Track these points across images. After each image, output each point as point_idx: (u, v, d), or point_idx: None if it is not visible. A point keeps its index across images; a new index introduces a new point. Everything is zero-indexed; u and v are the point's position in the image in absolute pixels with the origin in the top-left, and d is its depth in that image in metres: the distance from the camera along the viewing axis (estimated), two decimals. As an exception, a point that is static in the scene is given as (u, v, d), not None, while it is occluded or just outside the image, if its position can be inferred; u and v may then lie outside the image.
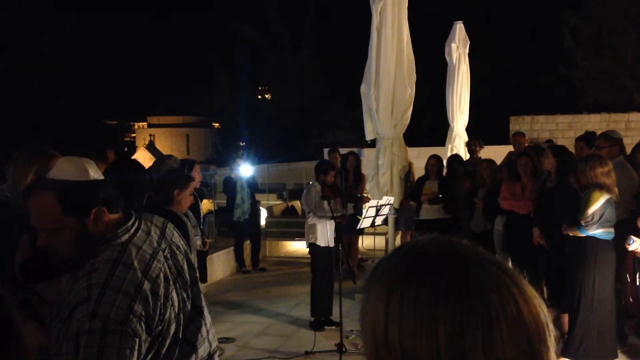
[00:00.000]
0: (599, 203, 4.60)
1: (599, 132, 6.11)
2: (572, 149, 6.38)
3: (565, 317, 5.08)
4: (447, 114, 10.21)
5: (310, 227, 6.21)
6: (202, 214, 6.86)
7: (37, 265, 2.06)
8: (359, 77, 7.00)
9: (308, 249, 6.43)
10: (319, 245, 6.18)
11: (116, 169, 2.94)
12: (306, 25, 28.55)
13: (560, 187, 5.37)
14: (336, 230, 5.97)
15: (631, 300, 5.81)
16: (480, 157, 8.15)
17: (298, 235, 9.47)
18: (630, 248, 4.80)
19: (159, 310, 1.68)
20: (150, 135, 58.92)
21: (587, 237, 4.68)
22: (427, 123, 26.09)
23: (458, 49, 10.00)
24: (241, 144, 31.04)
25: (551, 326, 0.75)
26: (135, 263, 1.70)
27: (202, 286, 2.08)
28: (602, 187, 4.62)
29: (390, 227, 7.13)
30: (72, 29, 23.31)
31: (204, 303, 1.98)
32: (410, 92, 6.69)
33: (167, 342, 1.73)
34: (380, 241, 9.15)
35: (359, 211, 7.28)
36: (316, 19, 28.62)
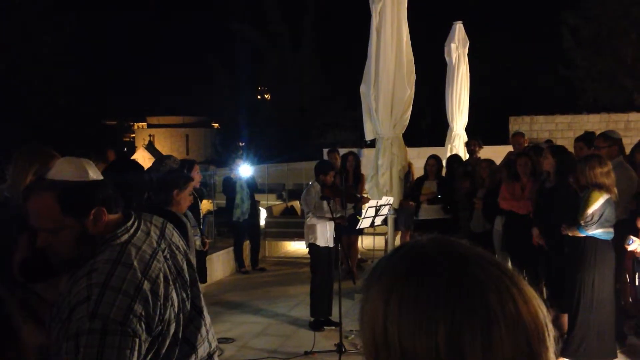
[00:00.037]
0: (598, 203, 4.60)
1: (598, 133, 6.11)
2: (571, 149, 6.38)
3: (565, 317, 5.09)
4: (446, 114, 10.22)
5: (310, 228, 6.21)
6: (201, 214, 6.86)
7: (36, 265, 2.07)
8: (359, 77, 7.00)
9: (307, 249, 6.43)
10: (318, 246, 6.18)
11: (115, 169, 2.94)
12: (306, 25, 28.56)
13: (559, 187, 5.37)
14: (336, 230, 5.97)
15: (630, 300, 5.81)
16: (479, 157, 8.15)
17: (297, 236, 9.46)
18: (630, 248, 4.80)
19: (158, 311, 1.68)
20: (150, 135, 58.92)
21: (587, 237, 4.69)
22: (427, 123, 26.10)
23: (457, 49, 10.00)
24: (241, 144, 31.05)
25: (550, 326, 0.75)
26: (135, 263, 1.70)
27: (201, 286, 2.08)
28: (602, 187, 4.62)
29: (389, 228, 7.13)
30: (72, 29, 23.30)
31: (203, 303, 1.98)
32: (409, 92, 6.70)
33: (167, 342, 1.74)
34: (379, 241, 9.15)
35: (358, 211, 7.28)
36: (316, 19, 28.64)
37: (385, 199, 6.32)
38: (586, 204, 4.63)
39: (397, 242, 7.63)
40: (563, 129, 13.14)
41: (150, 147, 52.74)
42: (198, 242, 4.81)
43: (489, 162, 6.94)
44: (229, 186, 9.20)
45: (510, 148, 8.40)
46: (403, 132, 6.95)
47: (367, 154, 11.15)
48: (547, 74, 23.89)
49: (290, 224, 10.23)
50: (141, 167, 3.19)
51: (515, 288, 0.74)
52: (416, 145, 11.64)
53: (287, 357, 5.42)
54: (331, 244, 6.17)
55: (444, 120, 10.46)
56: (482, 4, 28.57)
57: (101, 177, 1.82)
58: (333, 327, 6.01)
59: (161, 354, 1.73)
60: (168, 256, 1.85)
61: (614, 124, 12.29)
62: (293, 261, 9.99)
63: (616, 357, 4.84)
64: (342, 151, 8.97)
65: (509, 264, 5.70)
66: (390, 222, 7.03)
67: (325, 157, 9.42)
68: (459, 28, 10.06)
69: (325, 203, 5.79)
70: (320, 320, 6.24)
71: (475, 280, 0.74)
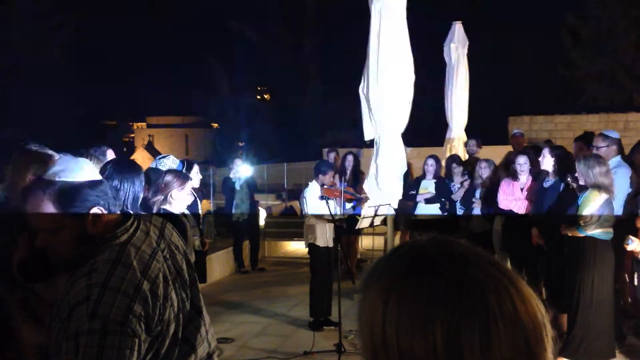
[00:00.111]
0: (597, 203, 4.60)
1: (597, 132, 6.11)
2: (570, 149, 6.39)
3: (564, 317, 5.09)
4: (445, 114, 10.21)
5: (309, 228, 6.21)
6: (201, 214, 6.85)
7: (35, 264, 2.07)
8: (359, 77, 7.00)
9: (307, 249, 6.43)
10: (318, 246, 6.18)
11: (115, 169, 2.93)
12: (306, 25, 28.57)
13: (558, 187, 5.38)
14: (335, 230, 5.97)
15: (630, 300, 5.81)
16: (479, 157, 8.15)
17: (297, 236, 9.46)
18: (629, 248, 4.80)
19: (158, 311, 1.68)
20: (150, 135, 58.85)
21: (586, 237, 4.69)
22: (426, 123, 26.08)
23: (457, 49, 9.99)
24: (240, 144, 31.06)
25: (548, 326, 0.75)
26: (134, 263, 1.70)
27: (201, 286, 2.08)
28: (601, 187, 4.62)
29: (389, 228, 7.13)
30: (72, 29, 23.32)
31: (202, 303, 1.98)
32: (409, 92, 6.69)
33: (167, 342, 1.74)
34: (379, 241, 9.14)
35: (358, 211, 7.28)
36: (316, 19, 28.64)
37: (384, 199, 6.32)
38: (585, 204, 4.64)
39: (397, 242, 7.63)
40: (562, 129, 13.15)
41: (150, 147, 52.69)
42: (197, 242, 4.80)
43: (489, 162, 6.94)
44: (229, 186, 9.20)
45: (509, 148, 8.40)
46: (402, 132, 6.94)
47: (366, 154, 11.14)
48: (546, 74, 23.90)
49: (290, 224, 10.23)
50: (140, 167, 3.19)
51: (514, 288, 0.74)
52: (415, 145, 11.64)
53: (286, 357, 5.42)
54: (331, 244, 6.17)
55: (443, 120, 10.46)
56: (482, 3, 28.57)
57: (100, 177, 1.82)
58: (332, 327, 6.01)
59: (161, 354, 1.73)
60: (167, 256, 1.85)
61: (613, 124, 12.30)
62: (292, 261, 9.98)
63: (615, 357, 4.84)
64: (342, 151, 8.96)
65: (509, 264, 5.70)
66: (389, 222, 7.02)
67: (325, 157, 9.42)
68: (458, 28, 10.05)
69: (324, 203, 5.79)
70: (319, 320, 6.24)
71: (475, 280, 0.74)
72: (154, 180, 3.89)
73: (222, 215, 9.97)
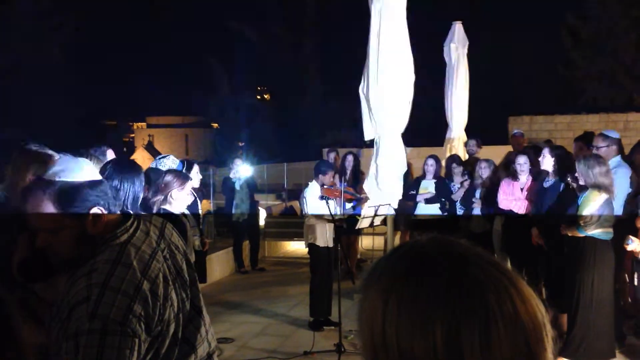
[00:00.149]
0: (597, 203, 4.60)
1: (597, 132, 6.11)
2: (570, 149, 6.39)
3: (564, 317, 5.09)
4: (445, 114, 10.21)
5: (309, 228, 6.21)
6: (201, 215, 6.85)
7: (35, 264, 2.06)
8: (359, 77, 7.00)
9: (307, 249, 6.43)
10: (318, 246, 6.18)
11: (115, 169, 2.93)
12: (306, 25, 28.57)
13: (558, 187, 5.38)
14: (335, 230, 5.97)
15: (630, 300, 5.81)
16: (479, 157, 8.15)
17: (297, 236, 9.46)
18: (629, 248, 4.80)
19: (158, 311, 1.68)
20: (149, 135, 58.85)
21: (586, 237, 4.69)
22: (426, 123, 26.08)
23: (457, 49, 9.99)
24: (240, 144, 31.06)
25: (548, 326, 0.75)
26: (134, 263, 1.70)
27: (201, 286, 2.08)
28: (601, 187, 4.62)
29: (389, 228, 7.13)
30: (72, 29, 23.33)
31: (202, 303, 1.98)
32: (409, 92, 6.69)
33: (167, 342, 1.74)
34: (379, 241, 9.14)
35: (357, 211, 7.28)
36: (316, 19, 28.64)
37: (384, 199, 6.32)
38: (585, 204, 4.64)
39: (397, 242, 7.63)
40: (562, 129, 13.15)
41: (150, 147, 52.68)
42: (197, 242, 4.81)
43: (489, 162, 6.95)
44: (229, 186, 9.20)
45: (509, 148, 8.40)
46: (402, 132, 6.94)
47: (366, 154, 11.14)
48: (546, 74, 23.91)
49: (290, 224, 10.23)
50: (140, 167, 3.19)
51: (513, 288, 0.74)
52: (415, 145, 11.64)
53: (286, 357, 5.42)
54: (331, 244, 6.17)
55: (443, 120, 10.46)
56: (482, 3, 28.58)
57: (100, 177, 1.82)
58: (332, 327, 6.01)
59: (161, 354, 1.73)
60: (167, 256, 1.85)
61: (613, 124, 12.31)
62: (292, 261, 9.98)
63: (615, 357, 4.84)
64: (342, 151, 8.96)
65: (509, 263, 5.71)
66: (389, 222, 7.02)
67: (325, 157, 9.42)
68: (458, 28, 10.06)
69: (324, 203, 5.79)
70: (319, 320, 6.24)
71: (475, 280, 0.74)
72: (154, 180, 3.89)
73: (222, 215, 9.97)
